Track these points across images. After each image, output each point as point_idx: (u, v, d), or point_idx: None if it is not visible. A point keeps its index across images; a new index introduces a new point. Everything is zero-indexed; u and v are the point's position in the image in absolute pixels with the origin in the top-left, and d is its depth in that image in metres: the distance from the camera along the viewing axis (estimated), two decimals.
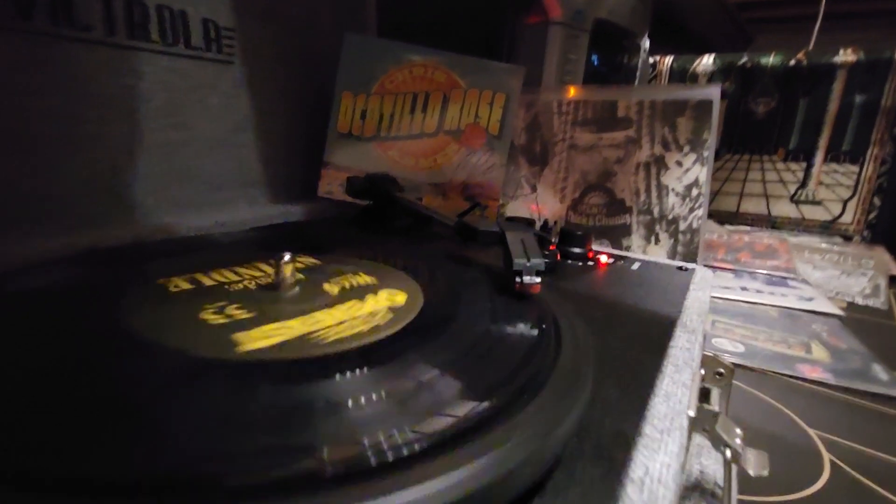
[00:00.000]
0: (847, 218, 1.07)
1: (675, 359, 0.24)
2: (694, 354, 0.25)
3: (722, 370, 0.27)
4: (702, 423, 0.20)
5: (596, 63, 0.66)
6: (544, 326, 0.21)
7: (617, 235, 0.61)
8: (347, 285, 0.24)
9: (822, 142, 1.08)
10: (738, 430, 0.20)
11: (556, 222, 0.41)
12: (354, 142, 0.50)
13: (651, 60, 1.23)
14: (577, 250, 0.41)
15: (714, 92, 0.56)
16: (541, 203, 0.61)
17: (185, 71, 0.43)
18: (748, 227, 1.16)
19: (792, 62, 1.08)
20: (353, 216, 0.46)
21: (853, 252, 0.90)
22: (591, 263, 0.40)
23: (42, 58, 0.35)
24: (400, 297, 0.23)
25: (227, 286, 0.23)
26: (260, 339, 0.18)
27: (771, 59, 1.10)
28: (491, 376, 0.17)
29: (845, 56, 1.02)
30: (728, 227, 1.16)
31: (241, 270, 0.25)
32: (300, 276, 0.24)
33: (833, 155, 1.07)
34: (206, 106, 0.45)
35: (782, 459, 0.34)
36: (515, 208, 0.63)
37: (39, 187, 0.35)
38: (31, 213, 0.35)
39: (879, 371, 0.47)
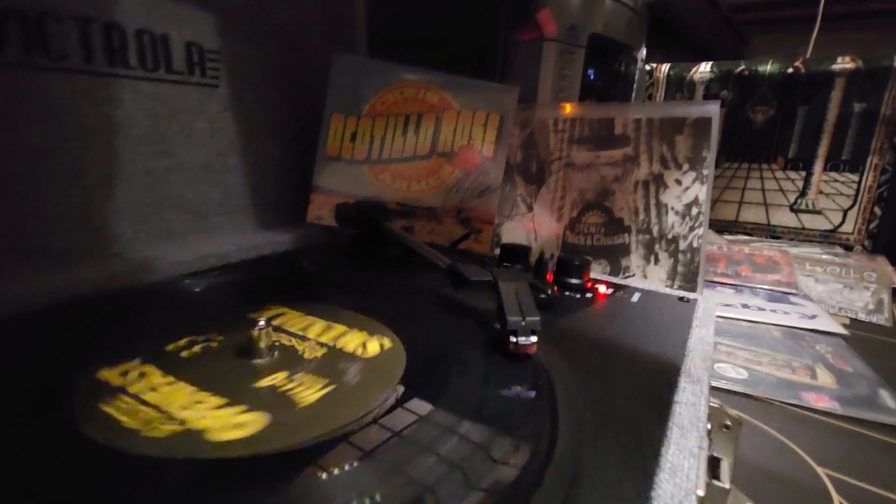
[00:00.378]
0: (847, 227, 1.06)
1: (680, 419, 0.23)
2: (700, 412, 0.23)
3: (729, 423, 0.26)
4: (711, 501, 0.19)
5: (592, 77, 0.64)
6: (538, 401, 0.19)
7: (616, 255, 0.59)
8: (320, 355, 0.22)
9: (822, 150, 1.07)
10: None
11: (552, 255, 0.40)
12: (344, 165, 0.49)
13: (648, 68, 1.22)
14: (574, 281, 0.39)
15: (713, 109, 0.54)
16: (538, 223, 0.60)
17: (168, 97, 0.42)
18: (747, 237, 1.15)
19: (790, 70, 1.07)
20: (342, 246, 0.44)
21: (855, 264, 0.88)
22: (588, 295, 0.38)
23: (15, 89, 0.33)
24: (383, 343, 0.21)
25: (189, 360, 0.21)
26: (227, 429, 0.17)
27: (769, 67, 1.09)
28: (478, 475, 0.16)
29: (843, 64, 1.01)
30: (727, 236, 1.15)
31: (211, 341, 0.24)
32: (277, 341, 0.23)
33: (832, 164, 1.06)
34: (190, 132, 0.44)
35: (791, 503, 0.33)
36: (511, 228, 0.61)
37: (10, 224, 0.34)
38: (2, 252, 0.33)
39: (887, 398, 0.46)
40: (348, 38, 0.53)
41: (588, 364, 0.27)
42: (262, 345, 0.20)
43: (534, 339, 0.21)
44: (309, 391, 0.18)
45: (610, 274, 0.60)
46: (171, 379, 0.21)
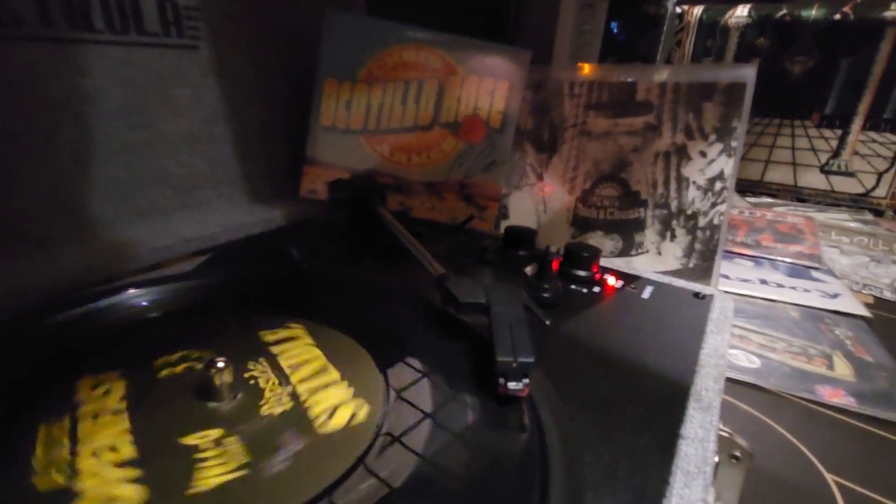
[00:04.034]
0: (881, 192, 1.00)
1: (685, 461, 0.21)
2: (708, 451, 0.21)
3: (738, 454, 0.24)
4: None
5: (615, 30, 0.58)
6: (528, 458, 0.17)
7: (629, 230, 0.56)
8: (278, 413, 0.20)
9: (863, 107, 0.99)
10: None
11: (558, 249, 0.37)
12: (339, 135, 0.45)
13: (678, 11, 1.12)
14: (582, 273, 0.36)
15: (749, 73, 0.49)
16: (548, 194, 0.56)
17: (142, 62, 0.38)
18: (771, 200, 1.09)
19: (837, 16, 0.97)
20: (335, 225, 0.41)
21: (884, 234, 0.84)
22: (596, 290, 0.36)
23: None
24: (357, 413, 0.19)
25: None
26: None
27: (813, 13, 0.99)
28: None
29: None
30: (750, 198, 1.09)
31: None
32: (252, 377, 0.21)
33: (873, 122, 0.99)
34: (170, 99, 0.40)
35: None
36: (520, 199, 0.58)
37: None
38: None
39: None
40: None
41: (590, 384, 0.24)
42: (218, 383, 0.19)
43: (526, 381, 0.19)
44: (214, 472, 0.16)
45: (622, 250, 0.57)
46: (121, 406, 0.19)
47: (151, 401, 0.20)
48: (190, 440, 0.17)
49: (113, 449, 0.17)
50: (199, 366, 0.22)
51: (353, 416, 0.19)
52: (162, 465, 0.16)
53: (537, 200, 0.58)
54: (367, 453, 0.17)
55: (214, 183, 0.44)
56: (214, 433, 0.18)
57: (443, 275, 0.25)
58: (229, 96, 0.44)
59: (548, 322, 0.22)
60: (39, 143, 0.33)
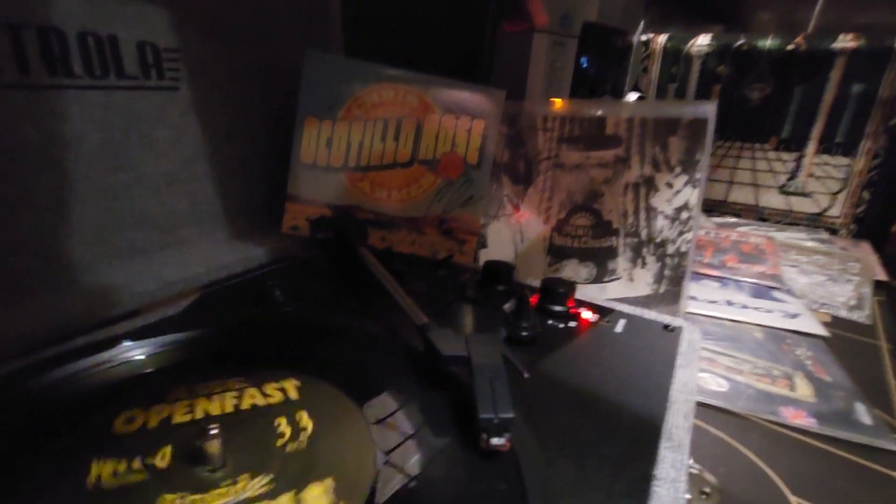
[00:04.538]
0: (835, 211, 1.05)
1: (658, 501, 0.22)
2: (679, 491, 0.23)
3: (708, 490, 0.25)
4: None
5: (585, 65, 0.61)
6: None
7: (602, 258, 0.58)
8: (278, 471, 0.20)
9: (816, 132, 1.05)
10: None
11: (532, 289, 0.38)
12: (321, 172, 0.46)
13: (644, 39, 1.17)
14: (558, 308, 0.38)
15: (709, 110, 0.52)
16: (524, 224, 0.58)
17: (122, 105, 0.38)
18: (735, 219, 1.14)
19: (790, 46, 1.03)
20: (317, 264, 0.42)
21: (839, 252, 0.89)
22: (572, 324, 0.37)
23: None
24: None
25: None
26: None
27: (768, 43, 1.05)
28: None
29: (845, 42, 0.97)
30: (715, 218, 1.14)
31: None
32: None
33: (825, 146, 1.04)
34: (150, 141, 0.40)
35: None
36: (497, 229, 0.59)
37: None
38: None
39: (862, 413, 0.47)
40: (323, 34, 0.49)
41: (564, 432, 0.26)
42: (217, 451, 0.19)
43: (507, 436, 0.20)
44: None
45: (596, 277, 0.59)
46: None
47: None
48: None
49: None
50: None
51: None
52: None
53: (514, 230, 0.59)
54: None
55: (196, 221, 0.44)
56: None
57: (425, 324, 0.26)
58: (209, 135, 0.44)
59: (526, 375, 0.23)
60: (17, 190, 0.33)
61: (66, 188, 0.36)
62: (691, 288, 0.59)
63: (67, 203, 0.36)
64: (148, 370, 0.28)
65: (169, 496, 0.18)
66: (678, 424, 0.27)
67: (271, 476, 0.20)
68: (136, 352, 0.28)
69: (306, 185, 0.46)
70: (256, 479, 0.20)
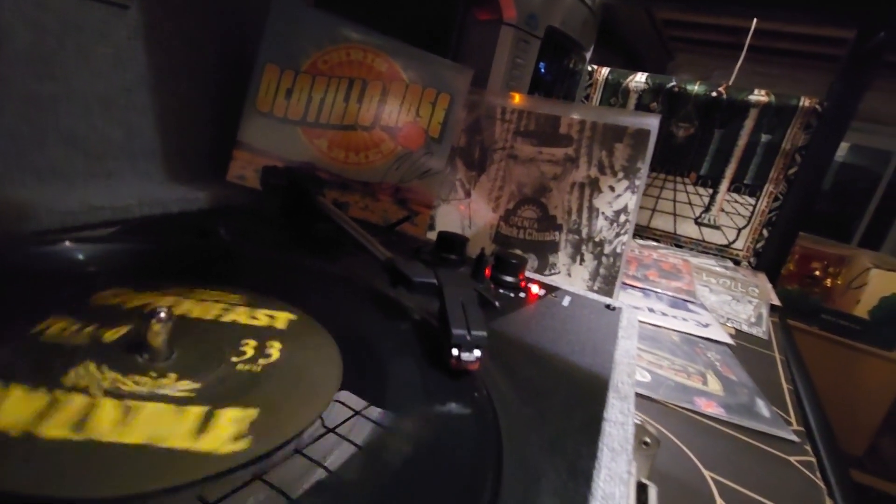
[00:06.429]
0: (739, 244, 1.17)
1: (610, 439, 0.23)
2: (628, 432, 0.23)
3: (648, 440, 0.26)
4: None
5: (542, 70, 0.64)
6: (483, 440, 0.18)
7: (545, 251, 0.60)
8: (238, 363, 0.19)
9: (729, 172, 1.16)
10: None
11: (492, 253, 0.39)
12: (276, 123, 0.44)
13: (589, 69, 1.25)
14: (509, 279, 0.39)
15: (653, 122, 0.56)
16: (473, 210, 0.59)
17: (60, 8, 0.34)
18: (655, 243, 1.23)
19: (713, 94, 1.14)
20: (264, 213, 0.40)
21: (742, 278, 0.98)
22: (522, 295, 0.38)
23: None
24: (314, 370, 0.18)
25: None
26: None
27: (696, 88, 1.16)
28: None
29: (759, 96, 1.09)
30: (639, 240, 1.22)
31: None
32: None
33: (736, 186, 1.16)
34: (87, 56, 0.36)
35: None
36: (447, 212, 0.59)
37: None
38: None
39: (762, 407, 0.51)
40: None
41: (524, 374, 0.26)
42: (160, 342, 0.17)
43: (477, 353, 0.19)
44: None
45: (537, 269, 0.61)
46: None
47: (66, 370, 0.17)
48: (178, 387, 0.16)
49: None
50: (88, 330, 0.19)
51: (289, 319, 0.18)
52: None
53: (463, 216, 0.60)
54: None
55: (128, 155, 0.40)
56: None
57: (391, 258, 0.26)
58: (155, 65, 0.41)
59: (497, 303, 0.23)
60: None
61: None
62: (620, 297, 0.63)
63: None
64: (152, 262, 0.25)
65: (92, 365, 0.16)
66: (623, 381, 0.29)
67: (199, 385, 0.18)
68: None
69: (259, 134, 0.44)
70: (183, 382, 0.18)
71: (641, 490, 0.21)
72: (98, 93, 0.38)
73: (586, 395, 0.26)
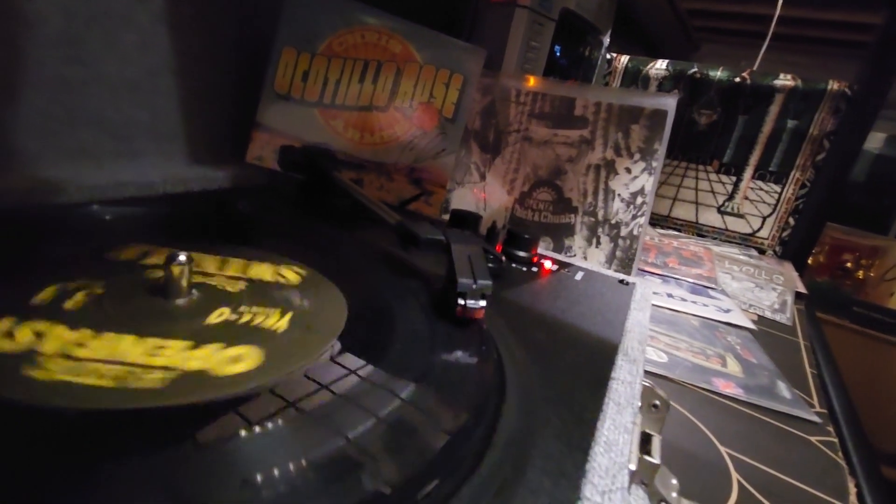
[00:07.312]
0: (764, 233, 1.14)
1: (616, 395, 0.23)
2: (635, 390, 0.24)
3: (657, 402, 0.26)
4: (641, 475, 0.19)
5: (558, 54, 0.63)
6: (485, 379, 0.19)
7: (560, 234, 0.60)
8: (244, 288, 0.20)
9: (753, 159, 1.14)
10: (675, 482, 0.19)
11: (503, 226, 0.39)
12: (293, 105, 0.45)
13: (608, 57, 1.23)
14: (522, 254, 0.39)
15: (670, 102, 0.55)
16: (489, 193, 0.59)
17: None
18: (676, 232, 1.21)
19: (737, 79, 1.12)
20: (283, 191, 0.41)
21: (766, 266, 0.96)
22: (534, 269, 0.38)
23: None
24: (319, 319, 0.19)
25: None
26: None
27: (719, 74, 1.13)
28: (417, 451, 0.15)
29: (785, 81, 1.07)
30: (659, 229, 1.20)
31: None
32: (199, 283, 0.20)
33: (760, 173, 1.14)
34: (114, 41, 0.38)
35: (696, 479, 0.35)
36: (462, 195, 0.60)
37: None
38: None
39: (783, 389, 0.50)
40: None
41: (533, 337, 0.26)
42: (184, 283, 0.18)
43: (483, 303, 0.20)
44: (272, 320, 0.17)
45: (553, 252, 0.61)
46: (89, 333, 0.17)
47: (112, 318, 0.18)
48: (214, 319, 0.17)
49: (161, 348, 0.16)
50: (99, 291, 0.20)
51: (298, 273, 0.19)
52: (228, 336, 0.16)
53: (478, 199, 0.60)
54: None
55: (153, 137, 0.42)
56: (224, 311, 0.17)
57: (401, 221, 0.26)
58: (178, 50, 0.42)
59: (503, 259, 0.24)
60: None
61: (16, 69, 0.33)
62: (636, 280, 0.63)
63: (14, 84, 0.33)
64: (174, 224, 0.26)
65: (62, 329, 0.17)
66: (633, 347, 0.29)
67: (223, 320, 0.19)
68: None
69: (277, 115, 0.45)
70: (211, 317, 0.19)
71: (646, 440, 0.21)
72: (125, 76, 0.39)
73: (596, 357, 0.26)
